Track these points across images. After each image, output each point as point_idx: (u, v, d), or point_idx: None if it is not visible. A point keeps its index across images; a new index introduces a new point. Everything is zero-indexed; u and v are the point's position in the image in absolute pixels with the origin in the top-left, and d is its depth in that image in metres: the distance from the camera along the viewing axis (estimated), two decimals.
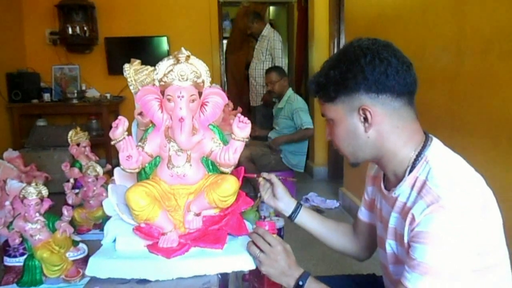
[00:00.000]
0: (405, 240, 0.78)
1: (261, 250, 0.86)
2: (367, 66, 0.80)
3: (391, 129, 0.83)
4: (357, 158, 0.89)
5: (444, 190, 0.74)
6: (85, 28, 4.09)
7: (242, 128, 0.87)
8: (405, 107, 0.83)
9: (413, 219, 0.75)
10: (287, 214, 1.14)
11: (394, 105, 0.82)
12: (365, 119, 0.82)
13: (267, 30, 4.09)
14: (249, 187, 2.75)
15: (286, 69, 4.30)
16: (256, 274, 0.95)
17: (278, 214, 1.61)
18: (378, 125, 0.82)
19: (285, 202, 1.14)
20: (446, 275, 0.71)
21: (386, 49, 0.81)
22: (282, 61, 4.05)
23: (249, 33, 4.40)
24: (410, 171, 0.82)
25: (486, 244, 0.76)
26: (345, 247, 1.14)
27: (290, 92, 3.53)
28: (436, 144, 0.84)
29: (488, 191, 0.79)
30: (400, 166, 0.85)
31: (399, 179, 0.85)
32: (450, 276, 0.72)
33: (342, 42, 3.57)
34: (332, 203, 3.27)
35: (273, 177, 1.15)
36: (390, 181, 0.89)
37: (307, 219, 1.14)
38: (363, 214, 1.10)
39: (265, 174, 1.16)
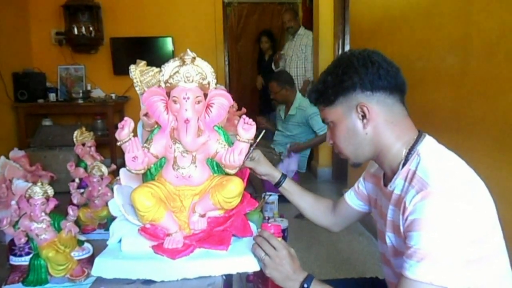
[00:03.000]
0: (401, 230, 0.81)
1: (266, 253, 0.86)
2: (361, 68, 0.88)
3: (385, 124, 0.88)
4: (357, 157, 0.94)
5: (431, 177, 0.78)
6: (91, 29, 4.11)
7: (247, 129, 0.88)
8: (397, 103, 0.89)
9: (405, 207, 0.79)
10: (274, 181, 1.23)
11: (388, 102, 0.88)
12: (363, 116, 0.88)
13: (303, 30, 4.21)
14: (251, 188, 2.74)
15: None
16: (260, 275, 0.95)
17: (282, 215, 1.61)
18: (374, 120, 0.88)
19: (267, 171, 1.22)
20: (442, 259, 0.73)
21: (376, 55, 0.90)
22: (312, 59, 4.10)
23: (287, 27, 4.36)
24: (404, 165, 0.87)
25: (479, 232, 0.76)
26: (319, 221, 1.24)
27: (299, 98, 3.47)
28: (428, 140, 0.89)
29: (479, 181, 0.82)
30: (394, 160, 0.90)
31: (395, 174, 0.89)
32: (447, 261, 0.73)
33: (347, 43, 3.56)
34: None
35: (254, 154, 1.20)
36: (388, 177, 0.94)
37: (289, 190, 1.24)
38: (351, 199, 1.16)
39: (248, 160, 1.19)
